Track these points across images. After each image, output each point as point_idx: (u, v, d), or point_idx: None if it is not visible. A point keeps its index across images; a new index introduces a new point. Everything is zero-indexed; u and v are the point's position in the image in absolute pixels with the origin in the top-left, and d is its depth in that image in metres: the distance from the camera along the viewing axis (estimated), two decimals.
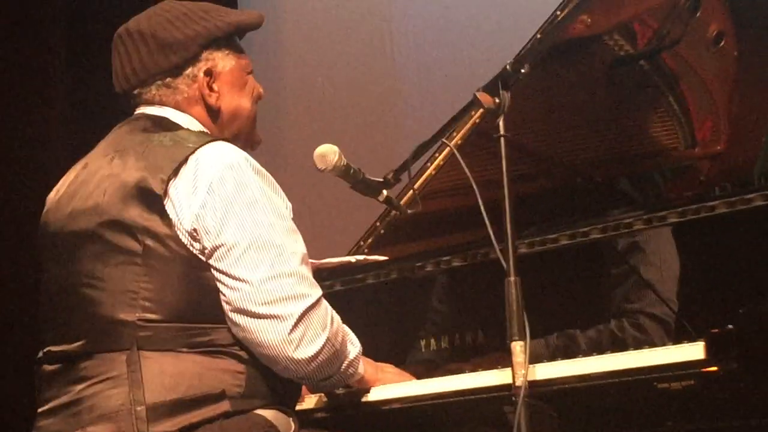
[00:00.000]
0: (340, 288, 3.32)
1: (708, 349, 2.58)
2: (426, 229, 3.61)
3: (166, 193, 2.81)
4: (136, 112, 3.02)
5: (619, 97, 3.70)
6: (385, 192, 3.27)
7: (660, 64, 3.67)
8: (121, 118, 3.03)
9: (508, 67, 2.82)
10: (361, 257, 3.43)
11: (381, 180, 3.26)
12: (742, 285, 2.83)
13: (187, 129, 2.96)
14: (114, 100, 5.25)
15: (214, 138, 2.92)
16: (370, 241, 3.56)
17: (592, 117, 3.68)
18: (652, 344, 2.85)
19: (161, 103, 2.98)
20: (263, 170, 2.87)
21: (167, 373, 2.77)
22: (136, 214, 2.81)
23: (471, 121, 3.37)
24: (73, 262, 2.89)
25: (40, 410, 2.88)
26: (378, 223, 3.56)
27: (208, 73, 2.98)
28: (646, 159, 3.77)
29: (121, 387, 2.77)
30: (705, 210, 2.92)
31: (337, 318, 2.87)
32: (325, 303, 2.84)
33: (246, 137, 3.01)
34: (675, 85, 3.71)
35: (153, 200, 2.81)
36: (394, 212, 3.46)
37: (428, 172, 3.46)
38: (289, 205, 2.89)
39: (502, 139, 2.77)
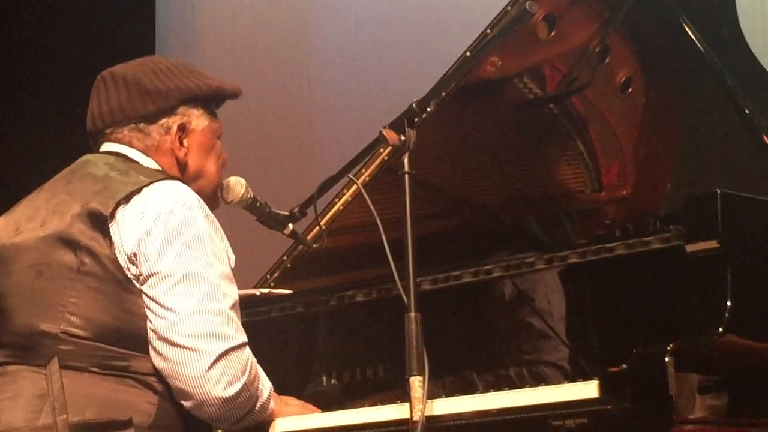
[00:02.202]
0: (245, 320, 3.31)
1: (602, 388, 2.64)
2: (332, 265, 3.64)
3: (113, 215, 2.87)
4: (102, 148, 3.06)
5: (528, 139, 3.76)
6: (291, 226, 3.31)
7: (568, 108, 3.74)
8: (39, 152, 3.06)
9: (414, 105, 2.87)
10: (266, 290, 3.46)
11: (287, 214, 3.31)
12: (639, 326, 2.89)
13: (148, 167, 3.01)
14: (33, 134, 5.24)
15: (172, 177, 2.99)
16: (276, 274, 3.57)
17: (501, 158, 3.74)
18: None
19: (130, 144, 3.04)
20: (213, 216, 2.95)
21: (80, 392, 2.80)
22: (79, 231, 2.86)
23: (380, 159, 3.41)
24: (6, 273, 2.93)
25: None
26: (285, 257, 3.58)
27: (182, 128, 3.06)
28: (553, 201, 3.83)
29: (28, 404, 2.80)
30: (605, 251, 2.98)
31: (255, 365, 2.91)
32: (247, 350, 2.88)
33: (206, 198, 3.05)
34: (583, 129, 3.77)
35: (99, 220, 2.86)
36: (301, 246, 3.49)
37: (336, 207, 3.49)
38: (233, 256, 2.95)
39: (406, 176, 2.81)
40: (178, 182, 2.96)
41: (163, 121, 3.06)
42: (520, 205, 3.79)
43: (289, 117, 5.66)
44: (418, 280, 2.79)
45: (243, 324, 2.96)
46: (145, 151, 3.04)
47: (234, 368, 2.83)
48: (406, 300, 2.75)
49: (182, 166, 3.07)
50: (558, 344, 3.01)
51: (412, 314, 2.74)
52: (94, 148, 3.10)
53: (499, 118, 3.68)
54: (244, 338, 2.88)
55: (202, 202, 2.94)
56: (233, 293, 2.89)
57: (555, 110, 3.73)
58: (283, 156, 5.58)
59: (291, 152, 5.60)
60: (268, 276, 3.59)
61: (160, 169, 3.03)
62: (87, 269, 2.84)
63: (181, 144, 3.07)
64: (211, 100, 3.13)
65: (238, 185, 3.22)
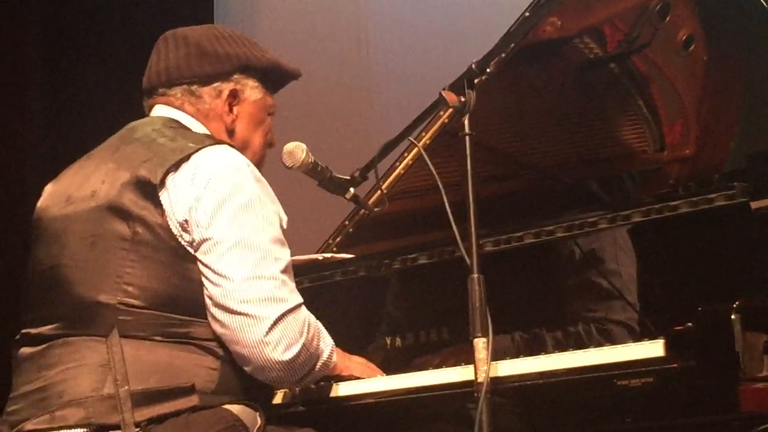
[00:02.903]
0: (307, 285, 3.36)
1: (667, 347, 2.62)
2: (394, 229, 3.65)
3: (163, 183, 2.86)
4: (152, 113, 3.09)
5: (589, 99, 3.74)
6: (352, 190, 3.31)
7: (630, 67, 3.72)
8: (96, 117, 3.06)
9: (473, 65, 2.86)
10: (329, 255, 3.47)
11: (348, 178, 3.30)
12: (703, 284, 2.87)
13: (197, 133, 3.02)
14: (90, 98, 5.30)
15: (221, 141, 2.99)
16: (338, 239, 3.58)
17: (562, 119, 3.73)
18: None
19: (181, 108, 3.05)
20: (263, 179, 2.94)
21: (142, 360, 2.81)
22: (130, 200, 2.87)
23: (440, 121, 3.41)
24: (60, 244, 2.94)
25: (11, 395, 2.92)
26: (347, 222, 3.59)
27: (234, 94, 3.07)
28: (615, 162, 3.82)
29: (93, 374, 2.81)
30: (668, 209, 2.96)
31: (314, 323, 2.91)
32: (303, 310, 2.88)
33: None
34: (645, 89, 3.75)
35: (149, 189, 2.86)
36: (362, 211, 3.50)
37: (396, 171, 3.50)
38: (285, 217, 2.95)
39: (467, 138, 2.80)
40: (226, 146, 2.96)
41: (217, 84, 3.06)
42: (582, 166, 3.78)
43: (349, 81, 5.65)
44: (480, 241, 2.79)
45: (307, 289, 2.97)
46: (195, 116, 3.05)
47: (292, 331, 2.83)
48: (468, 261, 2.75)
49: (229, 132, 3.08)
50: (623, 303, 3.00)
51: (475, 276, 2.73)
52: (146, 107, 3.11)
53: (560, 78, 3.67)
54: (298, 299, 2.88)
55: (251, 165, 2.94)
56: (285, 256, 2.90)
57: (616, 70, 3.72)
58: (343, 120, 5.58)
59: (351, 116, 5.60)
60: (330, 241, 3.61)
61: (208, 133, 3.03)
62: (140, 239, 2.85)
63: (231, 110, 3.07)
64: (268, 75, 3.13)
65: (298, 150, 3.22)
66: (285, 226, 2.95)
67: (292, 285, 2.89)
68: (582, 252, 3.09)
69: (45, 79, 5.46)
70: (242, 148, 3.06)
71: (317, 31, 5.69)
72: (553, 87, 3.68)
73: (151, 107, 3.10)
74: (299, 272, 3.30)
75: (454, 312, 3.09)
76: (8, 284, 4.52)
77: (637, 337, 2.93)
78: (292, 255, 3.34)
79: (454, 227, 2.81)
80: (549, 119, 3.73)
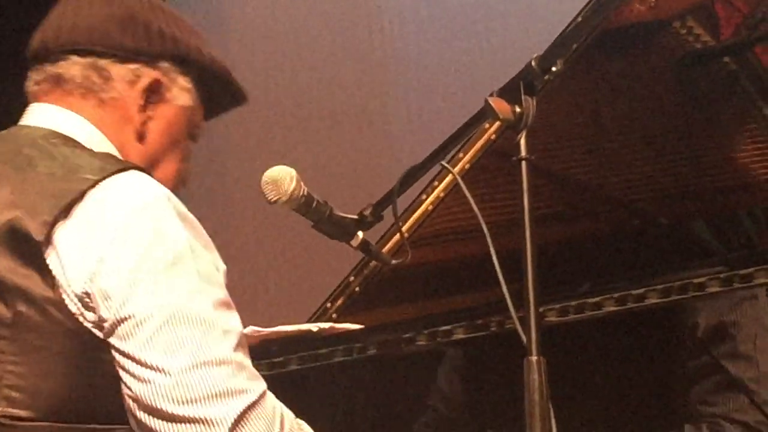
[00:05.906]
0: (295, 367, 3.33)
1: None
2: (419, 289, 3.66)
3: (49, 239, 2.78)
4: (30, 114, 3.01)
5: (694, 107, 3.76)
6: (360, 234, 3.32)
7: (752, 62, 3.73)
8: None
9: (533, 63, 2.84)
10: (326, 325, 3.44)
11: (355, 217, 3.31)
12: None
13: (91, 150, 2.95)
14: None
15: (126, 166, 2.89)
16: (340, 302, 3.60)
17: (655, 135, 3.74)
18: None
19: (76, 108, 2.97)
20: (190, 215, 2.85)
21: None
22: (4, 267, 2.79)
23: (484, 138, 3.43)
24: None
25: None
26: (351, 278, 3.61)
27: (156, 87, 3.01)
28: (731, 194, 3.84)
29: None
30: None
31: (289, 417, 2.86)
32: (270, 399, 2.82)
33: None
34: None
35: (29, 249, 2.78)
36: (374, 263, 3.52)
37: (423, 207, 3.52)
38: (223, 266, 2.86)
39: (523, 164, 2.78)
40: (135, 174, 2.86)
41: (135, 66, 3.01)
42: (684, 201, 3.80)
43: (356, 83, 5.68)
44: (541, 309, 2.76)
45: (293, 374, 2.94)
46: (94, 119, 2.97)
47: (258, 430, 2.80)
48: (524, 338, 2.72)
49: (137, 138, 3.01)
50: (750, 406, 3.00)
51: (534, 358, 2.70)
52: (28, 92, 3.03)
53: (653, 78, 3.68)
54: (262, 385, 2.80)
55: (174, 198, 2.84)
56: (235, 325, 2.81)
57: (732, 66, 3.73)
58: (348, 137, 5.60)
59: (360, 132, 5.62)
60: (329, 304, 3.62)
61: (108, 148, 2.96)
62: (24, 322, 2.77)
63: (145, 107, 3.02)
64: (207, 82, 3.08)
65: (286, 178, 3.22)
66: (225, 279, 2.88)
67: (251, 366, 2.81)
68: (680, 326, 3.11)
69: None
70: (152, 165, 3.02)
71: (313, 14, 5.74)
72: (644, 90, 3.70)
73: (35, 95, 3.03)
74: (284, 349, 3.31)
75: (503, 410, 3.08)
76: None
77: None
78: (275, 323, 3.31)
79: (504, 288, 2.80)
80: (637, 135, 3.75)
